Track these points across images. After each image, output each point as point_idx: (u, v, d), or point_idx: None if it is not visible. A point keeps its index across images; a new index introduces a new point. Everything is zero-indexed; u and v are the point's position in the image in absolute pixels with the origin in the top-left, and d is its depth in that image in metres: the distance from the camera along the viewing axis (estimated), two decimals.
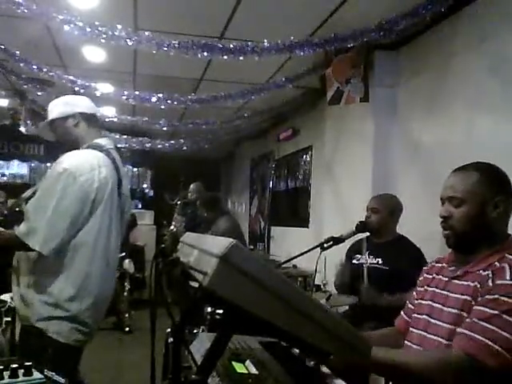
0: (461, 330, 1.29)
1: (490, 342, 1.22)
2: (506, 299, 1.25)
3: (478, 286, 1.34)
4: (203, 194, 5.03)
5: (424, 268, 1.68)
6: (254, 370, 1.23)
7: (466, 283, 1.39)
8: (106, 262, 2.09)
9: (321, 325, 0.93)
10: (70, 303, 1.96)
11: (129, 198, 2.28)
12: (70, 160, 2.00)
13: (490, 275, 1.33)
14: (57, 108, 2.19)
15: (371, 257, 2.76)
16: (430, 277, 1.58)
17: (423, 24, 3.37)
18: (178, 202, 5.92)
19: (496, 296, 1.27)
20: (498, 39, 2.91)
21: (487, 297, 1.29)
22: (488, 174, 1.47)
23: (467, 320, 1.30)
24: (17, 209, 2.04)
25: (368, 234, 2.90)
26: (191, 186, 5.60)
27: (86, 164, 1.99)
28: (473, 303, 1.33)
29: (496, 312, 1.25)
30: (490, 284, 1.31)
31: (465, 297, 1.36)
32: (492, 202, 1.43)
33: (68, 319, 1.96)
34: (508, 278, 1.29)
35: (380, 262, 2.70)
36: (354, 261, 2.85)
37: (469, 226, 1.44)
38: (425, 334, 1.46)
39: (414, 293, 1.64)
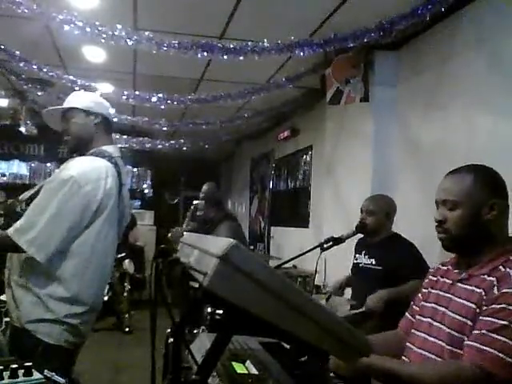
0: (471, 343, 1.28)
1: (501, 354, 1.22)
2: None
3: (483, 293, 1.32)
4: (214, 194, 4.73)
5: (430, 270, 1.68)
6: (254, 370, 1.22)
7: (470, 288, 1.38)
8: (102, 272, 2.05)
9: (320, 325, 0.93)
10: (60, 307, 1.92)
11: (127, 208, 2.25)
12: (77, 167, 1.96)
13: (495, 282, 1.32)
14: (82, 99, 2.12)
15: (366, 257, 2.77)
16: (435, 279, 1.57)
17: (423, 24, 3.37)
18: (192, 207, 5.55)
19: (503, 305, 1.26)
20: (498, 39, 2.91)
21: (494, 306, 1.27)
22: (483, 177, 1.44)
23: (476, 332, 1.28)
24: (17, 210, 2.01)
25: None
26: (204, 186, 5.18)
27: (93, 173, 1.95)
28: (477, 311, 1.31)
29: (505, 322, 1.24)
30: (496, 292, 1.30)
31: (469, 304, 1.35)
32: (487, 204, 1.40)
33: (58, 322, 1.92)
34: None
35: (373, 262, 2.70)
36: (354, 260, 2.86)
37: (464, 229, 1.43)
38: (427, 336, 1.45)
39: (419, 294, 1.63)
